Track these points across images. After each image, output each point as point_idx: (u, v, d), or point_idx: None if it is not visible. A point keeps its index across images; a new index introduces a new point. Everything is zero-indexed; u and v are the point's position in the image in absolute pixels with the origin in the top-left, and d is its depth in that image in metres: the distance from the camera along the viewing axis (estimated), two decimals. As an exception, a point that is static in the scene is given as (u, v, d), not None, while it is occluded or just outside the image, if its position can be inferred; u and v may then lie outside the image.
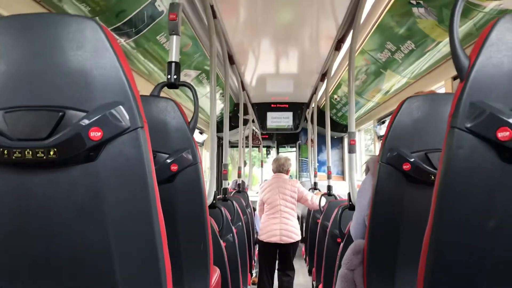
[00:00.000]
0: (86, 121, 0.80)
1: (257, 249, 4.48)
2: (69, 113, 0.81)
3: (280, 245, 3.38)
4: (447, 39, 2.14)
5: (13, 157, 0.79)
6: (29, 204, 0.84)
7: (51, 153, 0.79)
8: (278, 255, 3.47)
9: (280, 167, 3.57)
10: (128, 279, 0.86)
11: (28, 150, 0.79)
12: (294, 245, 3.45)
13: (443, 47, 2.29)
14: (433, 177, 1.23)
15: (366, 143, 5.50)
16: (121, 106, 0.82)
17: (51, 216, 0.85)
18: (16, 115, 0.80)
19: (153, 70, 2.89)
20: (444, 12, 1.97)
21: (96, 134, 0.80)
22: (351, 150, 2.39)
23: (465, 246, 0.79)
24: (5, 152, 0.79)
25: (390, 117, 1.35)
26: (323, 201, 3.72)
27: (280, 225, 3.36)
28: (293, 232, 3.38)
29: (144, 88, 2.87)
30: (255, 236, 4.59)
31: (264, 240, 3.40)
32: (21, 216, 0.85)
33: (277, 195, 3.41)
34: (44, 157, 0.79)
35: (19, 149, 0.79)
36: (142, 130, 0.84)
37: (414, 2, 2.10)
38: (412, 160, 1.26)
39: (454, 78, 2.33)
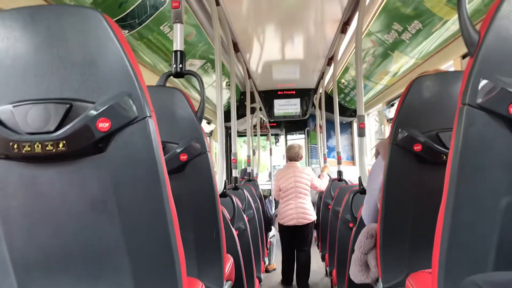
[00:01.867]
0: (93, 112, 0.80)
1: (269, 237, 4.52)
2: (77, 104, 0.81)
3: (297, 227, 3.73)
4: (454, 17, 2.09)
5: (23, 151, 0.79)
6: (41, 197, 0.85)
7: (60, 145, 0.79)
8: (297, 236, 3.80)
9: (295, 155, 3.88)
10: (142, 269, 0.86)
11: (37, 143, 0.79)
12: (310, 225, 3.80)
13: (451, 25, 2.24)
14: (445, 157, 1.21)
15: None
16: (128, 96, 0.81)
17: (63, 209, 0.85)
18: (24, 108, 0.80)
19: (158, 61, 2.88)
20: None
21: (104, 125, 0.80)
22: (361, 133, 2.37)
23: (479, 224, 0.78)
24: (15, 146, 0.79)
25: (399, 99, 1.33)
26: (326, 178, 4.14)
27: (296, 209, 3.72)
28: (308, 214, 3.74)
29: (150, 79, 2.86)
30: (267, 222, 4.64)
31: (284, 224, 3.76)
32: (34, 210, 0.86)
33: (293, 183, 3.77)
34: (54, 150, 0.79)
35: (28, 142, 0.79)
36: (151, 119, 0.84)
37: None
38: (423, 140, 1.24)
39: (463, 57, 2.29)
